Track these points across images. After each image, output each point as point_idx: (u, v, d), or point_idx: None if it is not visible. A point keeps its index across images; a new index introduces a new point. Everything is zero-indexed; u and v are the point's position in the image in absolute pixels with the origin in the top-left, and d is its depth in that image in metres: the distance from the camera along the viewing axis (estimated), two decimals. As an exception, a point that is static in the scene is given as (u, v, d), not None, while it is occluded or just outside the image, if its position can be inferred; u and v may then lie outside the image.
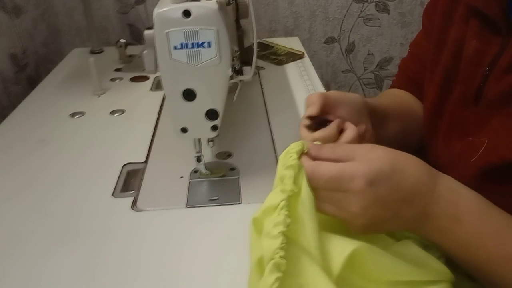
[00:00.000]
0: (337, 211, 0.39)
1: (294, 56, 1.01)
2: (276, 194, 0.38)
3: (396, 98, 0.66)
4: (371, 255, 0.38)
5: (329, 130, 0.48)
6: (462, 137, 0.51)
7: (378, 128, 0.54)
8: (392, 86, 0.71)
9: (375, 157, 0.39)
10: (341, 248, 0.38)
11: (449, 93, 0.54)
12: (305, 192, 0.38)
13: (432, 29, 0.59)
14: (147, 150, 0.66)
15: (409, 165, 0.40)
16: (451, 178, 0.41)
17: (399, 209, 0.39)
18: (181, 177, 0.59)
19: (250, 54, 0.52)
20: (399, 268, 0.39)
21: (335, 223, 0.41)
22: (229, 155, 0.64)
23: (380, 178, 0.38)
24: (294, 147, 0.41)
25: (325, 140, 0.46)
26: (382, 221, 0.39)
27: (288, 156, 0.40)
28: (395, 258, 0.39)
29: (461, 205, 0.39)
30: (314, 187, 0.39)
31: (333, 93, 0.51)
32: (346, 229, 0.41)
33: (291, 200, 0.38)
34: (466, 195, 0.40)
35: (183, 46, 0.46)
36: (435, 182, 0.40)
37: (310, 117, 0.49)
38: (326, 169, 0.39)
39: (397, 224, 0.40)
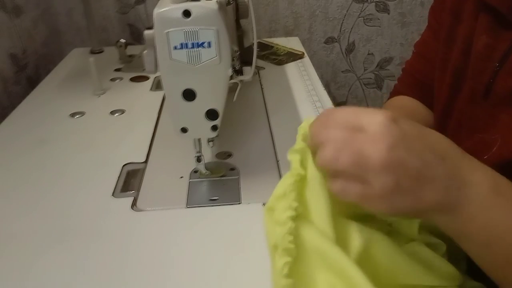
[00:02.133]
0: (354, 167, 0.33)
1: (294, 56, 1.01)
2: (285, 179, 0.37)
3: (407, 113, 0.64)
4: (387, 250, 0.37)
5: None
6: (471, 134, 0.50)
7: None
8: (397, 91, 0.69)
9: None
10: (359, 234, 0.36)
11: (459, 91, 0.53)
12: (312, 172, 0.36)
13: (440, 29, 0.59)
14: (147, 150, 0.66)
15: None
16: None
17: (430, 162, 0.33)
18: (181, 177, 0.59)
19: (250, 54, 0.52)
20: (411, 270, 0.37)
21: (352, 213, 0.39)
22: (229, 155, 0.64)
23: (403, 119, 0.34)
24: (299, 132, 0.40)
25: None
26: (409, 177, 0.33)
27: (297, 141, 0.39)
28: (409, 258, 0.37)
29: (499, 180, 0.36)
30: (328, 137, 0.34)
31: None
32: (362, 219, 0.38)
33: (299, 184, 0.37)
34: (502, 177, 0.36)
35: (183, 46, 0.46)
36: (465, 154, 0.36)
37: None
38: (342, 111, 0.35)
39: (430, 188, 0.33)
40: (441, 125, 0.57)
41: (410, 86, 0.67)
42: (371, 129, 0.33)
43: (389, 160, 0.32)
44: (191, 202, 0.55)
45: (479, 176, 0.35)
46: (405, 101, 0.66)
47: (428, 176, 0.33)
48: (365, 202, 0.34)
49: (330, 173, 0.35)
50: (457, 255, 0.42)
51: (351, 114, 0.35)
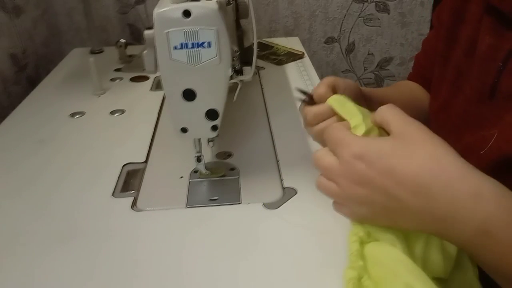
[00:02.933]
0: (333, 196, 0.42)
1: (294, 56, 1.01)
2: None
3: (406, 89, 0.69)
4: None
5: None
6: (474, 132, 0.51)
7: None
8: (408, 79, 0.74)
9: (386, 138, 0.38)
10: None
11: (459, 89, 0.54)
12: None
13: (440, 28, 0.60)
14: (147, 150, 0.66)
15: (420, 151, 0.35)
16: (497, 183, 0.34)
17: (402, 198, 0.35)
18: (181, 177, 0.59)
19: (250, 54, 0.52)
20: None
21: None
22: (229, 155, 0.64)
23: (372, 155, 0.37)
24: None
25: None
26: (386, 208, 0.37)
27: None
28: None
29: (490, 216, 0.33)
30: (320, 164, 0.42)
31: (341, 83, 0.52)
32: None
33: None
34: (498, 206, 0.33)
35: (183, 46, 0.46)
36: (454, 179, 0.34)
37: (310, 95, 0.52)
38: (338, 129, 0.41)
39: (407, 219, 0.37)
40: (438, 120, 0.57)
41: (416, 76, 0.71)
42: (341, 166, 0.39)
43: (357, 195, 0.38)
44: (191, 202, 0.55)
45: (462, 216, 0.33)
46: (410, 84, 0.71)
47: (396, 209, 0.37)
48: (359, 221, 0.42)
49: None
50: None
51: (334, 143, 0.41)
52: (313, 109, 0.50)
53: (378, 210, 0.38)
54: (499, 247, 0.32)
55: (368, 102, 0.55)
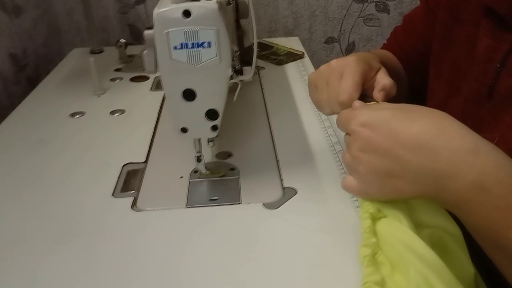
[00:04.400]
0: (346, 164, 0.45)
1: (294, 56, 1.01)
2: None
3: (389, 61, 0.69)
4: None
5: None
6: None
7: None
8: (382, 48, 0.74)
9: (390, 105, 0.43)
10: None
11: (457, 90, 0.55)
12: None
13: (434, 12, 0.60)
14: (147, 150, 0.66)
15: (421, 116, 0.39)
16: (491, 145, 0.36)
17: (403, 158, 0.38)
18: (181, 177, 0.59)
19: (250, 54, 0.52)
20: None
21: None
22: (229, 155, 0.64)
23: (375, 121, 0.40)
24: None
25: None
26: (389, 173, 0.39)
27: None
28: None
29: (486, 171, 0.34)
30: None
31: (359, 78, 0.50)
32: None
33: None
34: (494, 162, 0.35)
35: (183, 46, 0.46)
36: (455, 138, 0.36)
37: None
38: (347, 110, 0.46)
39: (408, 181, 0.38)
40: None
41: (395, 51, 0.71)
42: (351, 136, 0.43)
43: (361, 163, 0.41)
44: (191, 202, 0.55)
45: (461, 169, 0.35)
46: (389, 56, 0.71)
47: (397, 171, 0.39)
48: (359, 195, 0.45)
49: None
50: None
51: (344, 121, 0.45)
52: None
53: (382, 177, 0.40)
54: (491, 203, 0.34)
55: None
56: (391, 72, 0.55)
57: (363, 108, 0.44)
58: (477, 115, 0.51)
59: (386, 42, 0.75)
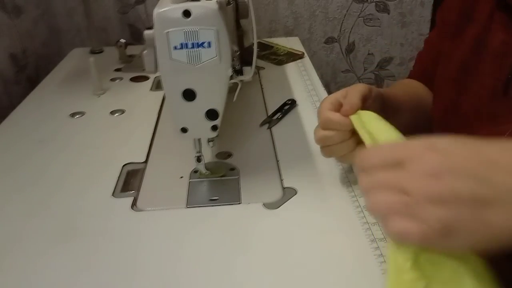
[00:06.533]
0: (401, 207, 0.30)
1: (294, 56, 1.01)
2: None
3: (409, 88, 0.68)
4: None
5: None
6: (489, 128, 0.51)
7: (391, 119, 0.53)
8: (408, 77, 0.74)
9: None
10: None
11: (465, 88, 0.55)
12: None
13: (445, 28, 0.61)
14: (147, 150, 0.66)
15: (487, 141, 0.31)
16: None
17: (487, 178, 0.29)
18: (181, 177, 0.59)
19: (250, 54, 0.52)
20: None
21: None
22: (229, 155, 0.64)
23: (444, 142, 0.31)
24: None
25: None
26: (472, 200, 0.29)
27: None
28: None
29: None
30: (369, 184, 0.33)
31: (372, 93, 0.52)
32: None
33: None
34: None
35: (183, 46, 0.46)
36: None
37: None
38: (377, 151, 0.35)
39: (500, 210, 0.28)
40: (445, 120, 0.57)
41: (419, 74, 0.71)
42: (408, 163, 0.31)
43: (435, 192, 0.29)
44: (191, 202, 0.55)
45: None
46: (412, 83, 0.70)
47: (488, 195, 0.29)
48: (429, 243, 0.30)
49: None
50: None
51: (387, 152, 0.34)
52: (332, 116, 0.49)
53: (465, 205, 0.29)
54: None
55: (386, 105, 0.55)
56: (410, 103, 0.57)
57: (415, 140, 0.33)
58: (491, 110, 0.51)
59: (412, 69, 0.74)
